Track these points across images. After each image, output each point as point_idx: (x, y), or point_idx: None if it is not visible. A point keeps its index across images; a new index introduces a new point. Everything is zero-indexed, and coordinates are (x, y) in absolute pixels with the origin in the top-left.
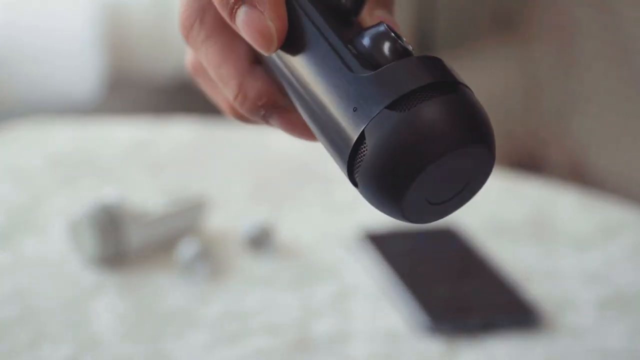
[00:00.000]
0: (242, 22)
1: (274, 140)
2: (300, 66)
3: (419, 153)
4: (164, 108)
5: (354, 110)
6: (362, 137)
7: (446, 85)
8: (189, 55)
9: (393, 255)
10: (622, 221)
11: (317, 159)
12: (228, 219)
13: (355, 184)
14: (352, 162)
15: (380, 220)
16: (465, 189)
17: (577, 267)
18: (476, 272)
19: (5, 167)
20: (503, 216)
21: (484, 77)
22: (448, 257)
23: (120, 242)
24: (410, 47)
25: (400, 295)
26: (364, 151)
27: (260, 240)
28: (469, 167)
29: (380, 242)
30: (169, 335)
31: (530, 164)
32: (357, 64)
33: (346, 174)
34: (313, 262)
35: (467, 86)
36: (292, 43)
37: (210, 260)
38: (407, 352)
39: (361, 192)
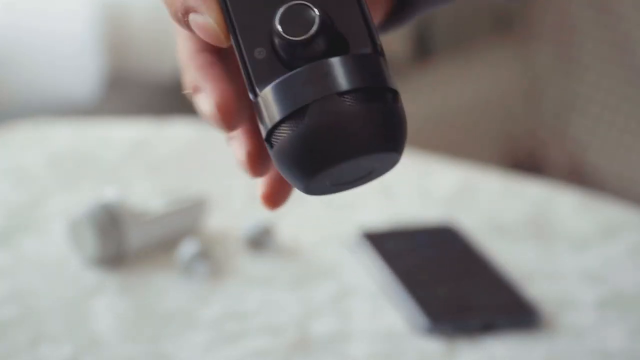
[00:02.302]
0: (194, 26)
1: None
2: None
3: (342, 148)
4: (164, 108)
5: (295, 87)
6: (296, 113)
7: (380, 90)
8: None
9: (391, 254)
10: (622, 221)
11: None
12: (228, 219)
13: (269, 144)
14: (274, 128)
15: (381, 220)
16: (368, 176)
17: (577, 267)
18: (476, 271)
19: (5, 167)
20: (503, 216)
21: (484, 77)
22: (447, 257)
23: (121, 242)
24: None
25: (399, 296)
26: (291, 125)
27: (260, 240)
28: (377, 163)
29: (378, 241)
30: (169, 335)
31: (530, 164)
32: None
33: (264, 134)
34: (313, 262)
35: (397, 92)
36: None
37: (210, 260)
38: (407, 352)
39: (273, 156)
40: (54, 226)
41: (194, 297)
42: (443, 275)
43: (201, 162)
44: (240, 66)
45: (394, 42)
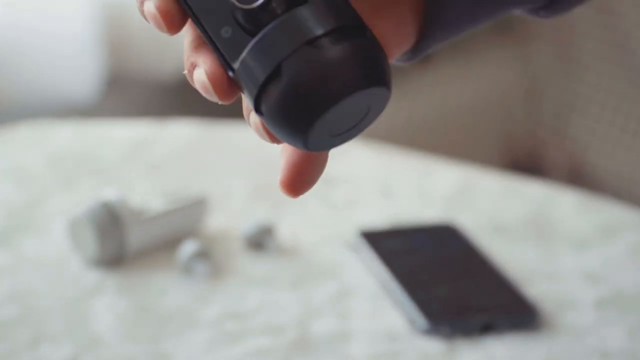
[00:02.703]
0: (147, 15)
1: None
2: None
3: (331, 90)
4: (164, 108)
5: (268, 46)
6: (276, 70)
7: (352, 28)
8: None
9: (390, 254)
10: (622, 221)
11: None
12: (228, 219)
13: (259, 113)
14: (260, 93)
15: (381, 220)
16: (362, 120)
17: (576, 267)
18: (476, 271)
19: (5, 167)
20: (503, 216)
21: (484, 77)
22: (447, 256)
23: (121, 242)
24: None
25: (398, 296)
26: (275, 84)
27: (260, 240)
28: (368, 103)
29: (377, 241)
30: (169, 335)
31: (530, 164)
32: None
33: (252, 103)
34: (313, 262)
35: (368, 28)
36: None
37: (210, 260)
38: (407, 351)
39: (266, 121)
40: (54, 226)
41: (194, 297)
42: (442, 275)
43: (201, 162)
44: (213, 50)
45: None
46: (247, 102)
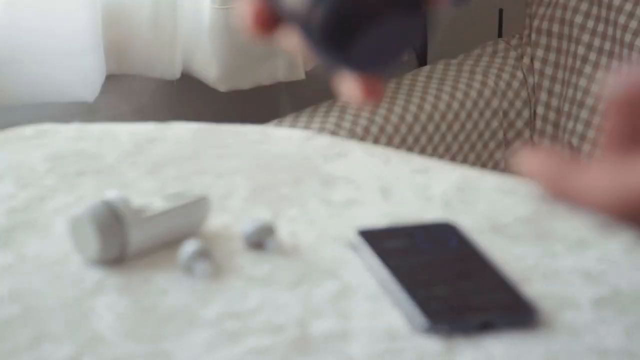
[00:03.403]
0: None
1: (274, 140)
2: None
3: (372, 7)
4: (164, 108)
5: None
6: None
7: None
8: None
9: (389, 253)
10: None
11: (317, 158)
12: (228, 219)
13: (307, 35)
14: (307, 16)
15: (381, 220)
16: (402, 45)
17: (574, 267)
18: (474, 271)
19: (6, 166)
20: (501, 215)
21: (483, 77)
22: (445, 255)
23: (122, 242)
24: None
25: (397, 295)
26: (319, 4)
27: (260, 240)
28: (407, 27)
29: (376, 240)
30: (170, 334)
31: None
32: None
33: (301, 27)
34: (313, 262)
35: None
36: None
37: (210, 260)
38: (406, 351)
39: (313, 44)
40: (55, 226)
41: (195, 296)
42: (442, 274)
43: (201, 162)
44: None
45: None
46: (287, 37)
